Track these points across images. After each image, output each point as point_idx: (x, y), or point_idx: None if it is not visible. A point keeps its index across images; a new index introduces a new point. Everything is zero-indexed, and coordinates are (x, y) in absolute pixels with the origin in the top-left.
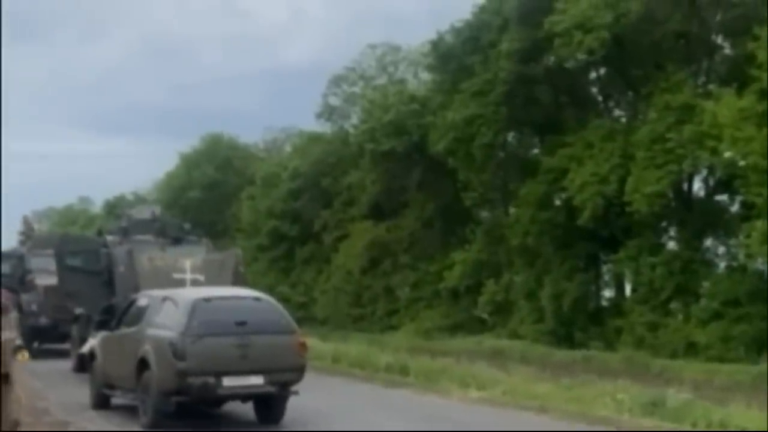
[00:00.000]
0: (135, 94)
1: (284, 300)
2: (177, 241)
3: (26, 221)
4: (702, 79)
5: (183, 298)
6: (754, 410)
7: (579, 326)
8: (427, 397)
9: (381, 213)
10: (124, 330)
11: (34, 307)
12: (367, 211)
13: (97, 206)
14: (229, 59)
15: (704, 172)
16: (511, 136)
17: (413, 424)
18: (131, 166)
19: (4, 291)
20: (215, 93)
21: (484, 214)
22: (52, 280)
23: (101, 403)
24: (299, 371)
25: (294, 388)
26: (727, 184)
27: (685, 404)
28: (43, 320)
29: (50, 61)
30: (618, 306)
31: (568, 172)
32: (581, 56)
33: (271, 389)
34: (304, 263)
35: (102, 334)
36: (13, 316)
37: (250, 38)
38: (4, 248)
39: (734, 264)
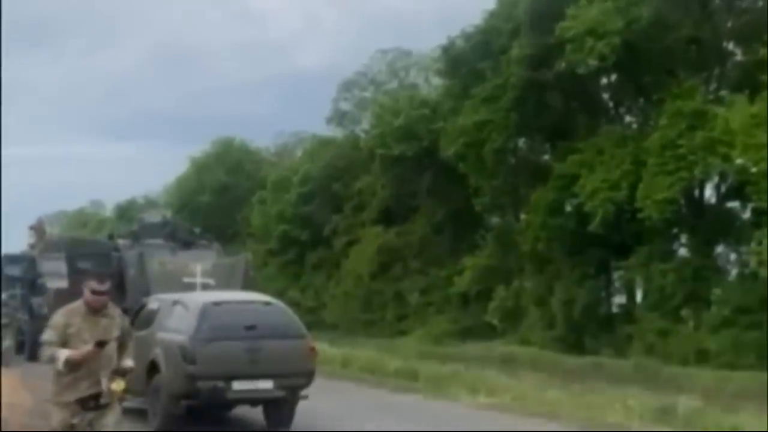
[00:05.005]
0: (148, 100)
1: (294, 304)
2: (187, 245)
3: (38, 224)
4: (713, 85)
5: (193, 301)
6: (765, 417)
7: (589, 333)
8: (436, 402)
9: (391, 218)
10: (135, 333)
11: (45, 311)
12: (378, 216)
13: (108, 210)
14: (242, 65)
15: (716, 178)
16: (521, 142)
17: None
18: (143, 170)
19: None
20: (227, 98)
21: (495, 219)
22: (63, 284)
23: None
24: (309, 376)
25: (303, 392)
26: (738, 190)
27: (696, 411)
28: None
29: (63, 66)
30: (629, 313)
31: (579, 178)
32: (592, 62)
33: (281, 393)
34: (314, 268)
35: None
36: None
37: (262, 45)
38: (16, 251)
39: (746, 271)
